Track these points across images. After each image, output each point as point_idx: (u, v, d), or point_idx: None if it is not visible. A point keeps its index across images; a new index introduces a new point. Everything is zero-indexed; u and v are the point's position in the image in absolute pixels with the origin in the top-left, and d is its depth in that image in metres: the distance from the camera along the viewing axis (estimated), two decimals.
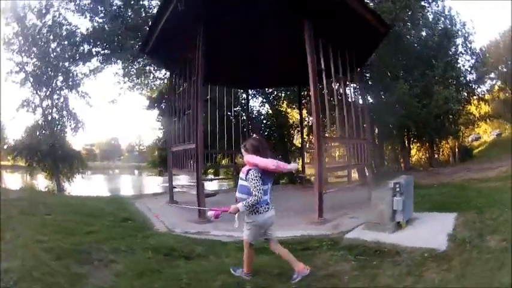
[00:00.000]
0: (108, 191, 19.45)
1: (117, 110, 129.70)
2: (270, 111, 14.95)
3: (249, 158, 2.93)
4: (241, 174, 2.96)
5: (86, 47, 14.36)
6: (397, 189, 4.45)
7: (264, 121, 14.75)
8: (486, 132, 21.73)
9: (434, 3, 13.18)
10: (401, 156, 15.20)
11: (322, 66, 5.91)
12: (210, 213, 3.12)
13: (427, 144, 15.32)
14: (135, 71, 15.79)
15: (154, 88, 16.81)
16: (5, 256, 3.03)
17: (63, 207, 6.19)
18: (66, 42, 14.15)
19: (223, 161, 12.89)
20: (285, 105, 15.27)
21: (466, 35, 14.18)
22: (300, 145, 13.91)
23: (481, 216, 4.46)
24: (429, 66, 12.42)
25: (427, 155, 15.82)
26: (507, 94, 18.65)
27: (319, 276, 3.03)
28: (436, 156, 15.90)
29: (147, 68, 15.52)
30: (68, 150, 15.11)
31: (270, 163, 2.90)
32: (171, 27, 6.06)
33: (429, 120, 11.73)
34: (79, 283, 2.91)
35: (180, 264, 3.51)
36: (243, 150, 3.06)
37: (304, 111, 15.17)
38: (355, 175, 9.31)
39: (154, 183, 32.03)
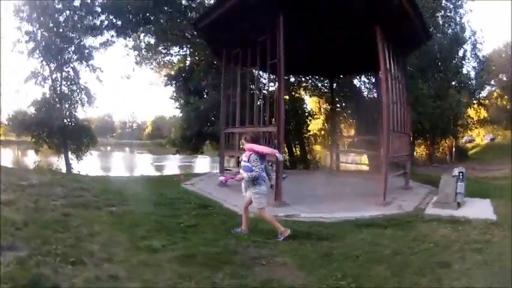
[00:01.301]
0: (120, 169, 19.67)
1: (126, 86, 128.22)
2: (287, 97, 15.97)
3: (250, 145, 4.26)
4: (244, 158, 4.30)
5: (100, 18, 14.54)
6: (461, 177, 5.81)
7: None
8: (479, 136, 24.50)
9: (454, 8, 14.72)
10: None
11: (388, 66, 7.08)
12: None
13: (429, 142, 17.24)
14: (143, 45, 16.32)
15: (166, 65, 17.45)
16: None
17: (113, 194, 6.31)
18: (82, 13, 14.26)
19: None
20: (302, 92, 16.42)
21: (475, 42, 16.03)
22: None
23: (508, 202, 5.93)
24: (440, 69, 14.12)
25: (428, 152, 17.77)
26: (504, 102, 21.23)
27: (436, 239, 4.16)
28: (435, 154, 17.92)
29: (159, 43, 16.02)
30: (79, 126, 15.00)
31: (266, 149, 4.44)
32: (242, 9, 6.61)
33: (441, 120, 13.43)
34: None
35: (324, 244, 3.86)
36: (243, 141, 4.45)
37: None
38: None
39: (147, 162, 32.46)
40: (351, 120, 16.48)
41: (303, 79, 16.20)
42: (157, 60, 17.28)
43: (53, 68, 14.62)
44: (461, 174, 5.87)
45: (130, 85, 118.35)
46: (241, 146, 4.87)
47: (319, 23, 7.09)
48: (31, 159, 16.53)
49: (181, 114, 15.51)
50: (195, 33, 13.76)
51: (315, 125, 17.13)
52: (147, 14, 13.46)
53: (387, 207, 6.21)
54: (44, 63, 14.47)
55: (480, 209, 5.55)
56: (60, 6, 14.23)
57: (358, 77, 15.42)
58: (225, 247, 3.63)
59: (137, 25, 14.61)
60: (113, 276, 2.67)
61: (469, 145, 22.54)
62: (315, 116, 16.45)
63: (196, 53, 15.95)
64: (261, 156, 4.23)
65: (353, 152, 15.02)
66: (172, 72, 16.13)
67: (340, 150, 12.28)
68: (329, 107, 15.05)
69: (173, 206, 5.67)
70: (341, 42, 8.29)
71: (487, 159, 16.22)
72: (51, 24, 14.05)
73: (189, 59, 16.73)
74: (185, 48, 16.22)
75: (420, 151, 18.24)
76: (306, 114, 15.92)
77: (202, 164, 28.49)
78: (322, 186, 8.50)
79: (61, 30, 14.21)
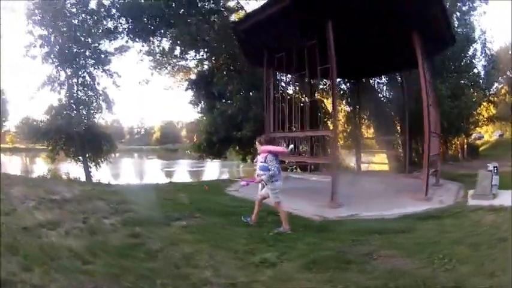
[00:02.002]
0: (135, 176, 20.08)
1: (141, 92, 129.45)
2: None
3: (266, 147, 4.99)
4: (261, 158, 4.94)
5: (113, 22, 15.16)
6: (495, 171, 6.71)
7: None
8: (487, 132, 25.78)
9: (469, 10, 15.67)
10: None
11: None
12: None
13: (442, 140, 18.21)
14: (157, 50, 16.95)
15: (181, 69, 18.13)
16: None
17: (164, 206, 6.22)
18: (97, 16, 14.76)
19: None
20: (317, 95, 17.25)
21: (484, 41, 17.08)
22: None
23: None
24: (452, 69, 15.09)
25: (441, 150, 18.74)
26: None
27: (487, 223, 4.98)
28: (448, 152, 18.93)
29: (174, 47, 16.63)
30: (98, 132, 15.43)
31: (280, 149, 5.32)
32: (289, 13, 7.09)
33: (458, 119, 14.41)
34: None
35: (407, 236, 4.44)
36: (257, 143, 5.12)
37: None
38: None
39: (157, 167, 32.99)
40: (369, 121, 17.34)
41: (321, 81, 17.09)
42: (172, 65, 17.92)
43: (68, 74, 15.04)
44: (495, 168, 6.77)
45: (137, 91, 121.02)
46: (256, 147, 5.29)
47: (361, 28, 7.72)
48: (40, 166, 16.93)
49: (203, 119, 16.22)
50: (212, 36, 14.59)
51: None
52: (170, 18, 14.04)
53: (431, 202, 7.05)
54: (59, 68, 14.86)
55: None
56: (74, 9, 14.77)
57: (372, 79, 16.41)
58: (334, 249, 3.89)
59: (155, 29, 15.30)
60: None
61: (478, 142, 23.66)
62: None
63: (213, 57, 16.72)
64: (276, 156, 4.96)
65: (374, 152, 15.89)
66: (193, 77, 16.82)
67: (362, 151, 13.14)
68: (349, 109, 15.98)
69: (240, 214, 5.58)
70: (372, 46, 9.02)
71: (497, 155, 17.27)
72: (64, 28, 14.43)
73: (206, 63, 17.49)
74: (202, 52, 16.80)
75: None
76: (325, 115, 16.68)
77: (212, 169, 29.33)
78: (357, 186, 9.22)
79: (77, 34, 14.57)
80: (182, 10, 13.91)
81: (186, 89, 16.50)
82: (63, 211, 5.16)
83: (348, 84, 16.08)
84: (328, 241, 4.24)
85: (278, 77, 11.82)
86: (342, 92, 16.56)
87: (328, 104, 19.27)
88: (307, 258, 3.49)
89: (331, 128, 17.19)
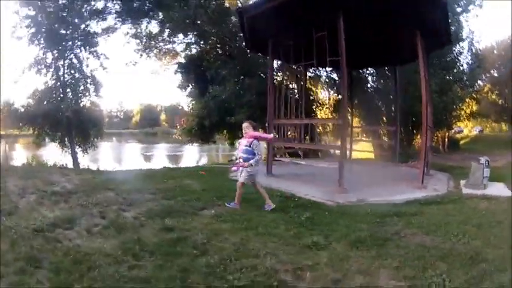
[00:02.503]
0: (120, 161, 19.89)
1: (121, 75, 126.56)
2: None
3: (253, 133, 5.54)
4: (245, 142, 5.47)
5: (103, 2, 15.11)
6: (487, 164, 7.57)
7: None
8: (467, 127, 27.73)
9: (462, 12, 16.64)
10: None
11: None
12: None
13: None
14: (144, 33, 17.01)
15: (168, 53, 18.13)
16: None
17: (179, 193, 6.27)
18: None
19: None
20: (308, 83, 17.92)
21: (472, 40, 18.25)
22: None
23: None
24: (439, 64, 16.12)
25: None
26: (494, 96, 24.28)
27: (483, 208, 5.74)
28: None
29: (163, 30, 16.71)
30: (85, 117, 15.22)
31: (265, 135, 6.25)
32: (299, 4, 7.55)
33: (442, 113, 15.52)
34: None
35: (420, 218, 5.01)
36: (245, 127, 5.58)
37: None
38: None
39: (136, 151, 32.55)
40: (357, 111, 18.21)
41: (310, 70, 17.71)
42: (159, 48, 18.04)
43: (56, 55, 14.80)
44: (487, 162, 7.64)
45: (117, 74, 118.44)
46: (243, 132, 5.61)
47: (368, 23, 8.25)
48: (21, 153, 16.61)
49: (192, 103, 16.47)
50: (205, 20, 14.70)
51: (323, 115, 18.73)
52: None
53: (427, 189, 7.80)
54: (46, 49, 14.56)
55: (500, 189, 7.32)
56: None
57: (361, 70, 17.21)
58: (366, 229, 4.35)
59: (147, 11, 15.27)
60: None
61: (458, 136, 25.36)
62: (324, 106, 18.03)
63: (201, 42, 16.88)
64: (259, 142, 5.58)
65: (362, 141, 16.79)
66: (181, 60, 16.92)
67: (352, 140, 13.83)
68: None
69: (259, 200, 5.76)
70: (375, 40, 9.55)
71: (477, 149, 18.78)
72: (51, 9, 14.13)
73: (194, 46, 17.65)
74: (190, 36, 17.02)
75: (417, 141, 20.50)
76: (314, 104, 17.38)
77: (192, 153, 29.51)
78: (354, 174, 9.93)
79: (64, 14, 14.31)
80: None
81: (175, 73, 16.69)
82: (71, 205, 4.92)
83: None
84: (357, 223, 4.73)
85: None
86: (333, 82, 17.25)
87: (318, 92, 20.18)
88: (350, 238, 3.94)
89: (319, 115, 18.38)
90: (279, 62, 12.07)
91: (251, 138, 5.46)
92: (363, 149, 16.57)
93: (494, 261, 3.25)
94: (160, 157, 28.82)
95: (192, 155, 28.90)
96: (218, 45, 16.45)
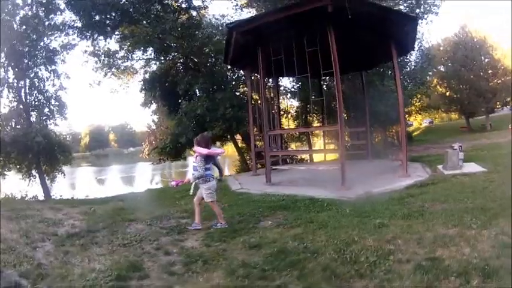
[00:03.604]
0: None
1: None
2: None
3: (197, 149, 5.69)
4: (193, 159, 5.87)
5: (60, 17, 15.21)
6: (461, 148, 9.69)
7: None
8: (416, 120, 31.78)
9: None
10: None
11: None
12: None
13: (380, 128, 22.31)
14: (102, 51, 17.73)
15: (126, 70, 18.71)
16: None
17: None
18: (42, 9, 14.57)
19: None
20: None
21: (421, 42, 21.44)
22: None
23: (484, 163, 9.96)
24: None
25: (380, 137, 22.95)
26: (442, 89, 28.39)
27: (468, 183, 7.53)
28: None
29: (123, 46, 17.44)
30: (53, 141, 14.71)
31: (208, 151, 5.72)
32: (292, 21, 8.86)
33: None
34: None
35: (428, 196, 6.48)
36: (194, 141, 5.83)
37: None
38: None
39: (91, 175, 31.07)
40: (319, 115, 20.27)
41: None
42: (117, 66, 18.62)
43: (17, 74, 14.41)
44: (460, 146, 9.78)
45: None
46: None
47: (350, 36, 9.94)
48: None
49: (160, 120, 17.15)
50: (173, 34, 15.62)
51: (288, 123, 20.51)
52: (133, 14, 14.90)
53: (413, 177, 9.53)
54: (7, 68, 14.20)
55: (474, 168, 9.31)
56: (19, 1, 14.23)
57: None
58: (400, 209, 5.67)
59: (104, 26, 15.78)
60: None
61: (410, 128, 29.10)
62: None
63: (161, 57, 17.75)
64: (208, 157, 5.70)
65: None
66: (141, 78, 17.77)
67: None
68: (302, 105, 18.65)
69: (290, 207, 6.79)
70: (350, 49, 11.08)
71: (431, 139, 22.05)
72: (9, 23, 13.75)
73: (153, 62, 18.47)
74: (149, 52, 17.91)
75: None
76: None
77: (143, 173, 29.40)
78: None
79: (23, 28, 14.13)
80: (147, 6, 14.89)
81: (141, 90, 17.23)
82: (113, 248, 4.91)
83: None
84: (387, 207, 6.03)
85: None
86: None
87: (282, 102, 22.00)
88: (397, 216, 5.26)
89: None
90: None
91: (198, 154, 5.70)
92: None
93: (496, 208, 4.96)
94: (114, 180, 28.56)
95: (145, 175, 29.18)
96: (180, 60, 17.42)
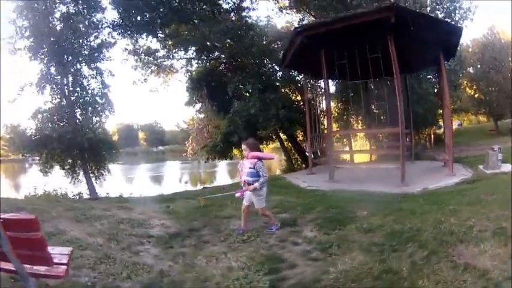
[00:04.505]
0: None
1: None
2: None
3: (256, 153, 5.82)
4: (249, 164, 5.73)
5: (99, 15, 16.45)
6: (500, 150, 11.39)
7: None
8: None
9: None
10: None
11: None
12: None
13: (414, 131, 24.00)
14: (141, 49, 19.48)
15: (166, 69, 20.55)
16: None
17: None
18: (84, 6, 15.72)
19: None
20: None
21: None
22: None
23: None
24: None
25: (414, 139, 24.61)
26: (471, 91, 30.09)
27: (507, 178, 8.98)
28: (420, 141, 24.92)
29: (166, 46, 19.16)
30: (99, 139, 15.52)
31: (269, 155, 6.59)
32: (355, 30, 10.20)
33: (430, 112, 19.86)
34: None
35: (480, 190, 7.66)
36: (246, 147, 5.90)
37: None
38: None
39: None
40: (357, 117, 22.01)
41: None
42: (157, 65, 20.25)
43: (60, 70, 15.34)
44: (499, 148, 11.46)
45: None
46: (244, 153, 6.05)
47: (403, 43, 11.09)
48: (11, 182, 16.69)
49: (210, 120, 19.01)
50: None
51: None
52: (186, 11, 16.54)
53: (458, 175, 11.13)
54: (50, 64, 15.13)
55: (510, 167, 10.91)
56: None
57: None
58: (464, 199, 7.00)
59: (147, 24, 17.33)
60: None
61: (439, 131, 30.63)
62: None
63: (204, 57, 19.51)
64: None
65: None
66: (182, 77, 19.99)
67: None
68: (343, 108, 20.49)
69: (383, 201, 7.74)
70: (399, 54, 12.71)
71: (462, 142, 23.61)
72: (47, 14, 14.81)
73: (193, 62, 20.22)
74: (191, 51, 19.47)
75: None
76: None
77: (172, 171, 31.10)
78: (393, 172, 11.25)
79: (63, 25, 15.25)
80: (204, 6, 16.67)
81: (187, 89, 19.07)
82: (255, 252, 5.05)
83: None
84: (452, 197, 7.52)
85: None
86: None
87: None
88: (470, 202, 6.62)
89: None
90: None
91: (253, 159, 5.71)
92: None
93: None
94: (143, 179, 30.46)
95: (174, 174, 30.90)
96: (224, 60, 19.23)
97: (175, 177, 29.89)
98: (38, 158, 15.84)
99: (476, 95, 36.94)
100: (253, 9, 19.05)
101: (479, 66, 35.99)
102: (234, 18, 17.82)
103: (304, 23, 19.07)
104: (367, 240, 5.22)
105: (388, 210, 6.84)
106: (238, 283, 4.01)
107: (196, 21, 16.97)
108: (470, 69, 35.48)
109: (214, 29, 16.05)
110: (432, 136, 26.46)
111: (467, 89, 35.82)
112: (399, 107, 10.46)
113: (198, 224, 6.42)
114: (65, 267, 3.18)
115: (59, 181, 15.35)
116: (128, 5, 16.59)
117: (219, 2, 18.06)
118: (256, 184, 5.61)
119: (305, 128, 14.31)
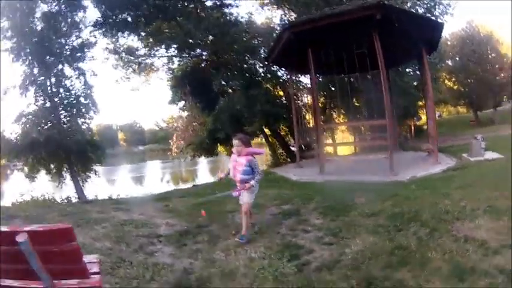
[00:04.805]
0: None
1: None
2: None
3: (249, 149, 5.51)
4: (244, 161, 5.36)
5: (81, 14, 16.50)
6: (483, 139, 12.10)
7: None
8: (424, 113, 34.87)
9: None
10: None
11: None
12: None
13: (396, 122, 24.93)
14: (122, 48, 19.61)
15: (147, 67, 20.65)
16: None
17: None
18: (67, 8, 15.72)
19: None
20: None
21: None
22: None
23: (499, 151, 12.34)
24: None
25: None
26: (450, 83, 31.45)
27: (493, 166, 9.74)
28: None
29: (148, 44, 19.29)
30: (85, 140, 15.76)
31: (260, 150, 6.76)
32: (342, 26, 10.82)
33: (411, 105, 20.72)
34: None
35: (470, 176, 8.34)
36: (240, 143, 5.41)
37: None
38: None
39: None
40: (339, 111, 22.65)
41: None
42: (138, 63, 20.43)
43: (43, 71, 15.41)
44: (482, 137, 12.18)
45: None
46: (236, 148, 5.49)
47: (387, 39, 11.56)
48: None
49: (193, 117, 19.21)
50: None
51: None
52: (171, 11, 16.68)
53: (443, 164, 11.88)
54: (33, 65, 15.18)
55: (493, 155, 11.53)
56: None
57: None
58: (454, 184, 8.38)
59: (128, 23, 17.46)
60: None
61: (418, 123, 31.79)
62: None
63: (186, 54, 19.76)
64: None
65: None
66: (163, 75, 20.18)
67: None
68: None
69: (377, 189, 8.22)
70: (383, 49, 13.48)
71: (443, 132, 24.65)
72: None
73: (175, 59, 20.40)
74: (172, 49, 19.62)
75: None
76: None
77: (153, 172, 31.08)
78: (381, 162, 11.73)
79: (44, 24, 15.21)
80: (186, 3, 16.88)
81: (172, 87, 19.19)
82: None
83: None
84: (442, 184, 8.08)
85: None
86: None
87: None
88: (461, 185, 7.26)
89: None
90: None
91: (249, 155, 5.42)
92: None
93: None
94: (124, 179, 30.40)
95: (156, 174, 30.90)
96: (207, 58, 19.46)
97: (157, 177, 29.85)
98: (21, 163, 15.90)
99: (455, 87, 38.83)
100: (236, 6, 19.39)
101: (457, 58, 37.93)
102: (217, 15, 17.99)
103: (285, 18, 19.52)
104: (372, 223, 5.62)
105: (384, 196, 7.26)
106: (266, 271, 4.16)
107: (179, 18, 17.10)
108: (449, 62, 37.34)
109: (198, 26, 16.29)
110: (413, 128, 27.47)
111: (446, 81, 37.72)
112: (385, 100, 10.95)
113: (203, 220, 6.36)
114: (98, 276, 3.00)
115: (43, 186, 15.27)
116: (112, 4, 16.62)
117: None
118: (253, 182, 5.36)
119: (289, 123, 14.57)
